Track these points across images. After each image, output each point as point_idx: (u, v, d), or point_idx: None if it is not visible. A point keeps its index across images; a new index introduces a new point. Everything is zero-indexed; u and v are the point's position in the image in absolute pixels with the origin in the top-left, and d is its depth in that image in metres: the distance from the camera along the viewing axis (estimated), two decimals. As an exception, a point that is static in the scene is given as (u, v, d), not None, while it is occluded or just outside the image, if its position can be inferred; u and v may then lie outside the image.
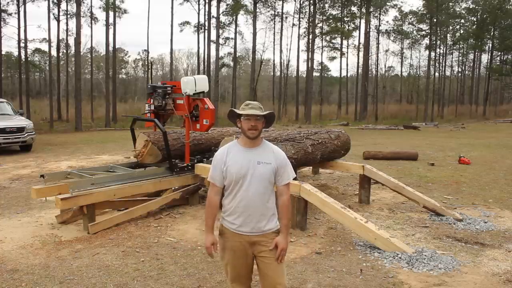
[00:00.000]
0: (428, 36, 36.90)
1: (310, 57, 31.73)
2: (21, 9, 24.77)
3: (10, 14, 25.48)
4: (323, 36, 36.92)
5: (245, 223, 2.64)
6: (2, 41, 23.50)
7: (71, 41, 27.09)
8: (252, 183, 2.61)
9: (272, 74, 42.81)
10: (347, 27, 36.22)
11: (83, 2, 25.98)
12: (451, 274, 4.04)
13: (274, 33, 36.74)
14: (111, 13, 26.18)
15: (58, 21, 26.48)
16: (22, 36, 24.59)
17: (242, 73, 51.38)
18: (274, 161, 2.65)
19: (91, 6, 27.77)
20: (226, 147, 2.75)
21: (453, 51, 44.48)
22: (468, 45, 42.56)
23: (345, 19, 36.48)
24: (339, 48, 38.79)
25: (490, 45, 43.02)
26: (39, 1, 32.91)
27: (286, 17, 37.43)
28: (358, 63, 38.54)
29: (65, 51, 31.33)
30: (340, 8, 36.34)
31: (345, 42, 38.72)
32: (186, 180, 6.40)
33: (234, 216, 2.66)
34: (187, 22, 31.53)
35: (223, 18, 31.01)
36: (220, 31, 29.80)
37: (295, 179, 3.34)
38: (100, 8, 27.40)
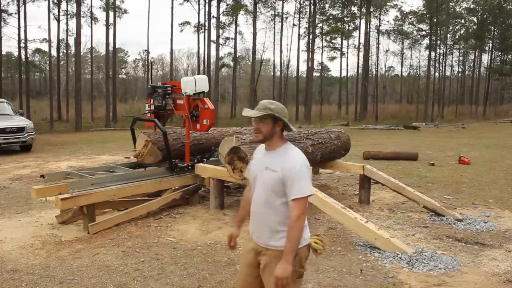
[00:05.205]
0: (428, 36, 36.89)
1: (310, 57, 31.72)
2: (21, 9, 24.84)
3: (10, 14, 25.54)
4: (323, 36, 36.91)
5: (253, 229, 2.46)
6: (2, 41, 23.57)
7: (71, 41, 27.13)
8: (258, 189, 2.40)
9: (272, 74, 42.78)
10: (347, 27, 36.25)
11: (83, 2, 25.98)
12: (451, 274, 4.04)
13: (274, 33, 36.76)
14: (111, 13, 26.20)
15: (58, 21, 26.51)
16: (22, 36, 24.66)
17: (242, 73, 51.37)
18: (281, 170, 2.28)
19: (91, 6, 27.80)
20: (259, 147, 2.59)
21: (453, 51, 44.53)
22: (468, 45, 42.56)
23: (345, 19, 36.51)
24: (339, 48, 38.84)
25: (490, 45, 43.06)
26: (39, 1, 32.90)
27: (286, 17, 37.34)
28: (358, 63, 38.55)
29: (65, 51, 31.36)
30: (340, 8, 36.36)
31: (345, 42, 38.80)
32: (186, 180, 6.40)
33: (251, 220, 2.52)
34: (187, 22, 31.55)
35: (223, 18, 31.08)
36: (220, 31, 29.81)
37: None
38: (100, 8, 27.48)
